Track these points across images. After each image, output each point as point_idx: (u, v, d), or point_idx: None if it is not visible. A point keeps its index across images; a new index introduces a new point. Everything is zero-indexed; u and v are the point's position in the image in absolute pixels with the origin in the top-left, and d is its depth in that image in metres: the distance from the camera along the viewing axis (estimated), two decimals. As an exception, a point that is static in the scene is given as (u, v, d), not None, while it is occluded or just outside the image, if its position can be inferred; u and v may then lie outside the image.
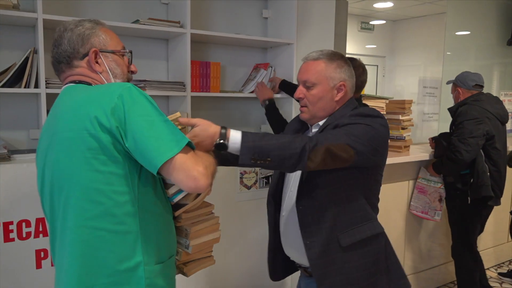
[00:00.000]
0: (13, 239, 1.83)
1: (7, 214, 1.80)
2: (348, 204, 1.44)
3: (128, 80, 1.27)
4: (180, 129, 1.12)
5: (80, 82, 1.19)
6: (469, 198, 2.73)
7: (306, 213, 1.44)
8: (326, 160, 1.28)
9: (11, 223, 1.82)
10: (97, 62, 1.19)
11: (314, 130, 1.55)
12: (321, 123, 1.52)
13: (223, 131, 1.22)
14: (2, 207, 1.79)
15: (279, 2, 2.66)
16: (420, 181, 3.03)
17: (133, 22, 2.13)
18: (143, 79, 2.20)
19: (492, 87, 4.77)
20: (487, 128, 2.67)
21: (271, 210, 1.66)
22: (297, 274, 1.74)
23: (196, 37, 2.32)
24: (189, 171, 1.02)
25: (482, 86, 2.85)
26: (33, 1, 1.93)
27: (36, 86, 1.89)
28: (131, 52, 1.30)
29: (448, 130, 2.93)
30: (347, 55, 3.34)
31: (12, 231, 1.82)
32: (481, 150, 2.69)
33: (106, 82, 1.20)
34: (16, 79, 1.88)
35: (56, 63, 1.21)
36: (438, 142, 2.90)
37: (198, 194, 1.26)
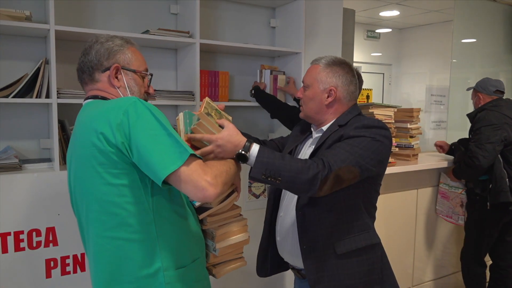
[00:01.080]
0: (23, 249, 1.83)
1: (17, 223, 1.81)
2: (347, 212, 1.45)
3: (144, 100, 1.27)
4: (214, 116, 1.22)
5: (98, 97, 1.24)
6: (488, 204, 2.70)
7: (306, 218, 1.46)
8: (334, 187, 1.32)
9: (22, 232, 1.83)
10: (116, 77, 1.24)
11: (317, 135, 1.58)
12: (324, 128, 1.54)
13: (247, 143, 1.26)
14: (12, 216, 1.80)
15: (286, 12, 2.68)
16: (442, 186, 3.04)
17: (143, 33, 2.15)
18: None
19: (500, 95, 4.75)
20: (505, 133, 2.64)
21: (269, 207, 1.68)
22: (286, 274, 1.73)
23: (205, 47, 2.33)
24: (196, 181, 1.04)
25: (503, 92, 2.84)
26: (45, 13, 1.96)
27: (48, 96, 1.90)
28: (151, 74, 1.35)
29: (456, 138, 2.92)
30: (354, 64, 3.36)
31: (22, 240, 1.83)
32: (499, 156, 2.67)
33: (122, 96, 1.24)
34: (27, 89, 1.90)
35: (80, 72, 1.26)
36: (456, 147, 2.90)
37: (226, 197, 1.29)
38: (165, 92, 2.21)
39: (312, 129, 1.63)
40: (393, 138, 2.65)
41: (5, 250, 1.80)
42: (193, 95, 2.26)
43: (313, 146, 1.52)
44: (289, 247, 1.57)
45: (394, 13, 5.47)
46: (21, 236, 1.83)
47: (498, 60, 4.78)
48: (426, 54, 5.99)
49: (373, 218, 1.55)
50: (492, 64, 4.76)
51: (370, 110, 2.55)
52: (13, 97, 1.86)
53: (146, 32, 2.14)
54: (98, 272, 1.18)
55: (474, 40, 4.60)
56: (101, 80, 1.24)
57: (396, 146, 2.69)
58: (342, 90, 1.52)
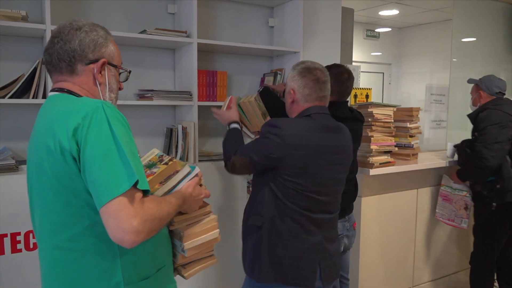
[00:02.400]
0: (20, 250, 1.82)
1: (14, 224, 1.80)
2: (256, 194, 1.70)
3: (116, 97, 1.23)
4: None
5: (65, 91, 1.12)
6: (493, 205, 2.67)
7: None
8: (234, 169, 1.72)
9: (19, 233, 1.82)
10: (100, 73, 1.15)
11: None
12: None
13: (234, 124, 1.90)
14: (9, 218, 1.79)
15: (285, 11, 2.67)
16: (444, 188, 2.99)
17: (140, 32, 2.14)
18: (150, 89, 2.20)
19: (500, 94, 4.74)
20: (511, 132, 2.62)
21: None
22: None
23: (203, 47, 2.32)
24: (121, 221, 0.92)
25: (504, 94, 2.81)
26: (41, 13, 1.95)
27: (44, 96, 1.90)
28: (130, 71, 1.27)
29: (456, 137, 2.89)
30: (352, 63, 3.35)
31: (19, 242, 1.82)
32: (507, 156, 2.63)
33: (101, 94, 1.16)
34: (24, 90, 1.89)
35: (56, 59, 1.11)
36: (461, 149, 2.86)
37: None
38: (162, 92, 2.20)
39: None
40: (392, 138, 2.65)
41: (1, 252, 1.79)
42: (191, 95, 2.25)
43: None
44: None
45: (394, 12, 5.46)
46: (18, 238, 1.82)
47: (499, 59, 4.76)
48: (426, 53, 5.98)
49: (287, 209, 1.62)
50: (492, 63, 4.75)
51: (369, 110, 2.54)
52: (10, 97, 1.86)
53: (143, 32, 2.13)
54: (51, 285, 1.08)
55: (474, 39, 4.58)
56: (83, 73, 1.13)
57: (395, 146, 2.68)
58: (297, 92, 1.68)
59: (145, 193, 1.01)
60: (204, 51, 2.50)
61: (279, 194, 1.62)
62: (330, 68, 2.04)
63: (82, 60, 1.12)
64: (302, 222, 1.62)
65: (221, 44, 2.33)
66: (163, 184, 1.17)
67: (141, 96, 2.27)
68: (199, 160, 2.29)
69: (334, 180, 1.67)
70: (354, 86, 3.06)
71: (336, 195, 1.71)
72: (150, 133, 2.42)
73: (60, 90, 1.12)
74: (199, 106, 2.28)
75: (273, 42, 2.79)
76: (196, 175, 1.25)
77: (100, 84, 1.15)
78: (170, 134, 2.36)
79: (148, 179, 1.07)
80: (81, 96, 1.11)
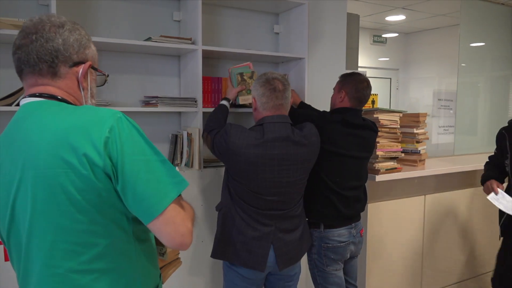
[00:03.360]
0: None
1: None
2: (223, 183, 1.95)
3: (96, 104, 1.13)
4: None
5: (45, 96, 0.99)
6: None
7: None
8: (204, 141, 2.04)
9: None
10: (83, 77, 1.04)
11: None
12: None
13: (225, 100, 2.16)
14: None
15: (290, 17, 2.67)
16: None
17: (146, 40, 2.15)
18: (155, 96, 2.21)
19: (510, 98, 4.68)
20: None
21: None
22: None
23: (208, 53, 2.33)
24: (179, 226, 0.94)
25: None
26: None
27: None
28: (108, 76, 1.17)
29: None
30: (359, 69, 3.34)
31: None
32: None
33: (84, 100, 1.05)
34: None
35: (35, 59, 0.97)
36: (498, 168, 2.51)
37: None
38: (167, 98, 2.21)
39: None
40: (398, 143, 2.63)
41: (7, 259, 1.80)
42: (195, 102, 2.26)
43: None
44: None
45: (400, 17, 5.44)
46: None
47: (508, 63, 4.72)
48: (434, 59, 5.94)
49: (236, 202, 1.84)
50: (502, 68, 4.70)
51: (375, 115, 2.52)
52: (16, 105, 1.87)
53: (149, 39, 2.14)
54: None
55: (483, 43, 4.55)
56: (66, 77, 1.01)
57: (402, 152, 2.65)
58: (257, 100, 1.87)
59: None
60: (209, 58, 2.51)
61: (231, 189, 1.85)
62: (350, 75, 2.13)
63: (66, 62, 1.00)
64: (252, 215, 1.82)
65: (226, 50, 2.34)
66: None
67: (146, 102, 2.28)
68: (204, 167, 2.29)
69: (281, 183, 1.80)
70: (360, 92, 3.07)
71: (288, 195, 1.85)
72: (155, 140, 2.43)
73: (39, 95, 0.99)
74: (204, 113, 2.28)
75: (279, 48, 2.79)
76: None
77: (83, 89, 1.04)
78: (175, 140, 2.37)
79: None
80: (69, 102, 1.01)
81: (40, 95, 0.99)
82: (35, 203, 0.93)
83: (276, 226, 1.84)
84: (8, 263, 1.81)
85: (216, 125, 1.96)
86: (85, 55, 1.04)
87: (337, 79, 2.20)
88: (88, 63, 1.04)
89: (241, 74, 2.24)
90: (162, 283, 1.24)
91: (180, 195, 0.99)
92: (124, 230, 0.99)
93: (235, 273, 1.89)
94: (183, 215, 0.96)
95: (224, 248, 1.88)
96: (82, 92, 1.04)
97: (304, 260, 2.20)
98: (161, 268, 1.27)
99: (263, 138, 1.76)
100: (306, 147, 1.84)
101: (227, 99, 2.17)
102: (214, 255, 1.92)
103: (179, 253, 1.37)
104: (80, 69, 1.03)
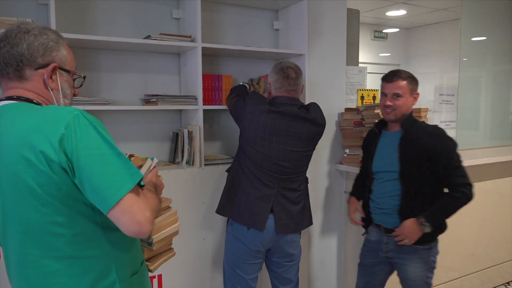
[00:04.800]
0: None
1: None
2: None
3: (70, 103, 1.20)
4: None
5: (22, 98, 1.07)
6: None
7: None
8: (227, 99, 2.28)
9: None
10: (51, 78, 1.10)
11: None
12: None
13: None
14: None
15: (290, 14, 2.66)
16: None
17: (145, 38, 2.15)
18: (155, 94, 2.21)
19: (511, 93, 4.66)
20: None
21: None
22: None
23: (208, 51, 2.33)
24: (136, 214, 0.97)
25: None
26: (47, 21, 1.97)
27: (50, 103, 1.91)
28: (84, 77, 1.22)
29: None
30: (360, 64, 3.33)
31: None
32: None
33: (55, 100, 1.12)
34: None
35: (2, 64, 1.06)
36: None
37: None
38: (167, 97, 2.21)
39: None
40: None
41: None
42: (196, 99, 2.26)
43: None
44: None
45: (401, 12, 5.42)
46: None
47: (511, 57, 4.69)
48: (435, 53, 5.92)
49: (244, 162, 2.03)
50: (505, 62, 4.68)
51: (376, 111, 2.51)
52: None
53: (148, 37, 2.14)
54: None
55: (485, 38, 4.52)
56: (32, 79, 1.08)
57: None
58: (272, 85, 2.12)
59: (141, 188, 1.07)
60: (209, 55, 2.51)
61: (242, 148, 2.05)
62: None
63: (31, 65, 1.07)
64: (258, 176, 1.99)
65: (226, 47, 2.33)
66: None
67: (147, 101, 2.28)
68: (205, 164, 2.29)
69: (286, 150, 2.00)
70: (361, 88, 3.06)
71: (293, 162, 2.03)
72: (156, 138, 2.43)
73: (17, 98, 1.07)
74: (204, 110, 2.28)
75: (279, 45, 2.78)
76: (155, 166, 1.27)
77: (52, 89, 1.11)
78: (176, 138, 2.37)
79: None
80: (39, 103, 1.08)
81: (11, 98, 1.07)
82: (4, 197, 1.03)
83: (278, 190, 2.01)
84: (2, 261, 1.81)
85: (241, 93, 2.21)
86: (51, 57, 1.10)
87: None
88: (51, 65, 1.09)
89: (252, 80, 2.48)
90: (151, 271, 1.30)
91: (141, 186, 1.04)
92: (91, 220, 1.05)
93: (239, 243, 2.04)
94: (141, 204, 0.99)
95: (229, 206, 2.05)
96: (52, 93, 1.11)
97: (304, 245, 2.20)
98: (151, 258, 1.31)
99: (275, 108, 1.99)
100: (311, 122, 2.05)
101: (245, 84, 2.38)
102: (220, 211, 2.11)
103: (171, 243, 1.39)
104: (45, 71, 1.09)
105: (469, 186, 1.94)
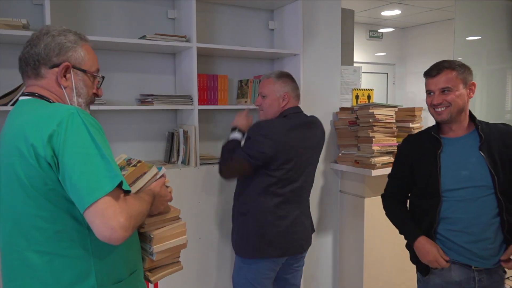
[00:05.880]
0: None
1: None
2: (244, 184, 2.02)
3: (91, 102, 1.24)
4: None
5: (36, 95, 1.13)
6: None
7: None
8: (227, 172, 1.99)
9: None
10: (65, 77, 1.15)
11: None
12: None
13: (237, 131, 2.07)
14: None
15: (285, 14, 2.67)
16: None
17: (140, 38, 2.16)
18: (151, 94, 2.22)
19: (507, 92, 4.70)
20: None
21: None
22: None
23: (203, 51, 2.34)
24: (108, 219, 0.94)
25: None
26: (42, 21, 1.97)
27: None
28: (103, 77, 1.26)
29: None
30: (355, 64, 3.35)
31: None
32: None
33: (67, 98, 1.16)
34: (26, 97, 1.91)
35: (24, 63, 1.15)
36: None
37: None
38: (163, 96, 2.22)
39: None
40: (394, 138, 2.64)
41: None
42: (191, 99, 2.27)
43: None
44: None
45: (396, 12, 5.45)
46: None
47: (505, 57, 4.72)
48: (430, 53, 5.95)
49: (275, 196, 1.94)
50: (499, 61, 4.71)
51: (370, 110, 2.53)
52: (12, 105, 1.88)
53: (143, 37, 2.15)
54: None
55: (479, 37, 4.56)
56: (46, 76, 1.14)
57: (397, 146, 2.66)
58: (291, 93, 2.05)
59: (126, 193, 1.04)
60: (205, 55, 2.52)
61: (261, 183, 1.93)
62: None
63: (46, 64, 1.13)
64: (283, 203, 1.94)
65: (221, 47, 2.34)
66: (132, 186, 1.19)
67: (142, 101, 2.29)
68: (201, 164, 2.30)
69: (306, 166, 2.01)
70: (355, 87, 3.08)
71: (310, 177, 2.07)
72: (151, 138, 2.44)
73: (31, 94, 1.13)
74: (199, 110, 2.29)
75: (274, 45, 2.79)
76: (163, 175, 1.26)
77: (65, 87, 1.15)
78: (171, 138, 2.38)
79: None
80: (51, 100, 1.14)
81: (29, 94, 1.14)
82: (0, 185, 1.08)
83: (300, 210, 2.02)
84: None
85: (235, 148, 1.97)
86: (66, 57, 1.14)
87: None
88: (63, 64, 1.14)
89: (241, 82, 2.41)
90: (151, 282, 1.27)
91: (125, 191, 1.02)
92: (76, 219, 1.05)
93: (257, 267, 1.98)
94: (117, 209, 0.95)
95: (259, 246, 1.94)
96: (64, 91, 1.15)
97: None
98: (154, 269, 1.28)
99: (294, 124, 1.96)
100: (318, 129, 2.08)
101: (239, 130, 2.07)
102: (249, 254, 1.97)
103: (178, 257, 1.35)
104: (58, 70, 1.14)
105: None
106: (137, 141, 2.41)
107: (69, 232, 1.04)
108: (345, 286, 2.93)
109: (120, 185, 0.99)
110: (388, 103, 2.67)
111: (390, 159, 2.60)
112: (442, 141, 1.69)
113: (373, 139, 2.52)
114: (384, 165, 2.55)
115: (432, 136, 1.71)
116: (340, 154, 2.80)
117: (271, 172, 1.91)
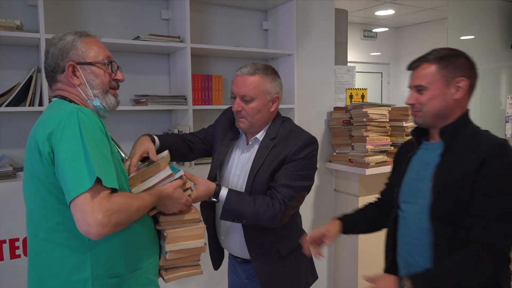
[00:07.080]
0: (19, 256, 1.85)
1: (12, 231, 1.83)
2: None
3: (112, 88, 1.28)
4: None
5: (61, 97, 1.24)
6: None
7: (250, 229, 1.58)
8: (286, 217, 1.54)
9: (17, 239, 1.84)
10: (75, 75, 1.22)
11: (254, 145, 1.63)
12: (258, 136, 1.62)
13: (217, 189, 1.47)
14: (7, 224, 1.82)
15: (278, 14, 2.69)
16: None
17: (134, 39, 2.16)
18: (145, 94, 2.23)
19: (501, 91, 4.74)
20: None
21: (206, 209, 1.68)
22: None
23: (197, 51, 2.35)
24: (86, 214, 0.98)
25: None
26: (36, 22, 1.98)
27: (40, 104, 1.92)
28: (111, 62, 1.27)
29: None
30: (349, 64, 3.36)
31: (18, 247, 1.85)
32: None
33: (83, 94, 1.23)
34: (20, 98, 1.92)
35: (46, 75, 1.27)
36: None
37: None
38: (157, 97, 2.22)
39: (243, 135, 1.69)
40: (387, 137, 2.66)
41: (1, 258, 1.81)
42: (185, 100, 2.28)
43: (249, 155, 1.62)
44: (236, 244, 1.66)
45: (390, 12, 5.48)
46: (17, 244, 1.84)
47: (498, 56, 4.76)
48: (424, 52, 5.98)
49: (299, 215, 1.75)
50: (492, 61, 4.74)
51: (364, 110, 2.55)
52: (7, 105, 1.88)
53: (137, 38, 2.15)
54: (30, 272, 1.21)
55: (473, 37, 4.59)
56: (61, 80, 1.23)
57: (391, 145, 2.69)
58: (281, 94, 1.66)
59: (114, 191, 1.06)
60: (199, 56, 2.53)
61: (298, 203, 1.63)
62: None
63: (57, 70, 1.23)
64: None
65: (215, 48, 2.35)
66: (141, 184, 1.22)
67: (137, 101, 2.29)
68: (195, 164, 2.31)
69: None
70: (349, 87, 3.10)
71: None
72: (146, 138, 2.44)
73: (56, 96, 1.25)
74: (194, 110, 2.30)
75: (268, 45, 2.81)
76: (181, 178, 1.27)
77: (78, 85, 1.22)
78: (166, 138, 2.39)
79: (130, 176, 1.21)
80: (72, 100, 1.23)
81: (56, 96, 1.26)
82: (26, 173, 1.19)
83: None
84: (10, 261, 1.82)
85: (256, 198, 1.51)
86: (68, 58, 1.21)
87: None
88: (67, 65, 1.20)
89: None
90: (166, 281, 1.29)
91: (111, 188, 1.04)
92: None
93: None
94: (95, 205, 0.99)
95: (305, 279, 1.74)
96: (78, 88, 1.23)
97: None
98: (170, 268, 1.30)
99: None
100: None
101: (219, 188, 1.51)
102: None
103: (198, 260, 1.34)
104: (67, 72, 1.22)
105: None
106: (131, 142, 2.40)
107: (68, 223, 1.09)
108: (340, 284, 2.95)
109: (100, 182, 1.01)
110: (383, 102, 2.69)
111: (384, 158, 2.62)
112: (420, 145, 1.43)
113: (367, 138, 2.54)
114: (378, 164, 2.57)
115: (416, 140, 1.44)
116: (335, 153, 2.82)
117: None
